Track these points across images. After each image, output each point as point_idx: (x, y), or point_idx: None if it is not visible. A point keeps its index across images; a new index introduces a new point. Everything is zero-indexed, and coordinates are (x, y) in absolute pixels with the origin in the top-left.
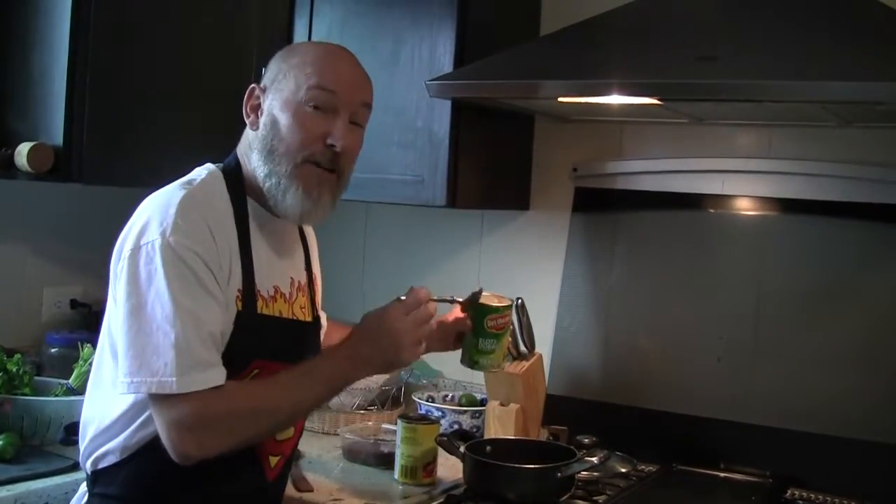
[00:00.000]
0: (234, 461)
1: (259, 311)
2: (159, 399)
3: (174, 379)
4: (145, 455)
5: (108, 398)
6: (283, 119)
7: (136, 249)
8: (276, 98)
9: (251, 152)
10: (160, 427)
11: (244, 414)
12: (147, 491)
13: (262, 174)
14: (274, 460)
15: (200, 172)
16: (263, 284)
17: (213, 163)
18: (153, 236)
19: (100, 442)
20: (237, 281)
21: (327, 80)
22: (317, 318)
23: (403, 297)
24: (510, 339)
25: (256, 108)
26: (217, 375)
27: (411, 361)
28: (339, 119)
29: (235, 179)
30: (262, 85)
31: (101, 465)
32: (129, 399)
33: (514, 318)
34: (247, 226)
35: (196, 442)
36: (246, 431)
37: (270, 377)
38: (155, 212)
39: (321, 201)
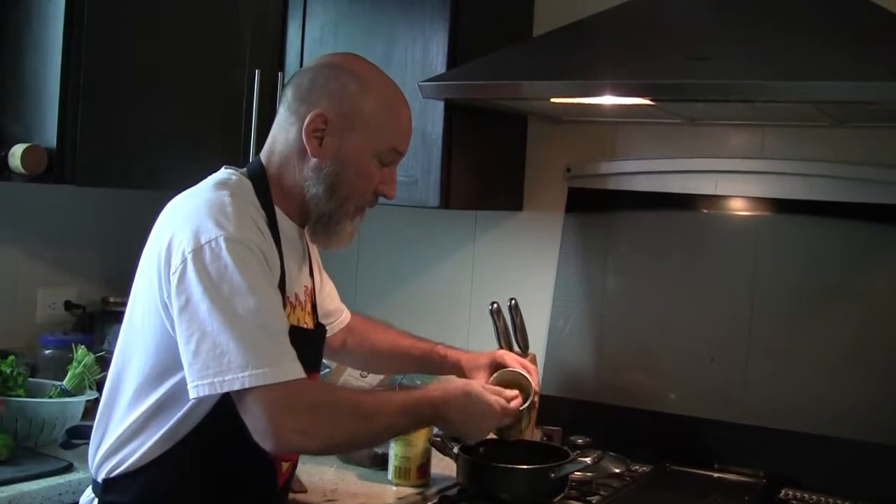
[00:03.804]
0: (250, 466)
1: (287, 318)
2: (253, 392)
3: (267, 370)
4: (162, 464)
5: (128, 405)
6: (353, 167)
7: (199, 249)
8: (348, 141)
9: (303, 173)
10: (255, 416)
11: (346, 408)
12: (162, 500)
13: (316, 200)
14: (285, 465)
15: (229, 176)
16: (290, 291)
17: (216, 165)
18: (215, 233)
19: (114, 449)
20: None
21: (402, 145)
22: (319, 325)
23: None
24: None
25: (321, 138)
26: (301, 368)
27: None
28: (393, 171)
29: (262, 186)
30: (326, 111)
31: (114, 474)
32: (148, 409)
33: (508, 318)
34: (277, 232)
35: (298, 426)
36: (343, 428)
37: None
38: (207, 211)
39: (354, 235)
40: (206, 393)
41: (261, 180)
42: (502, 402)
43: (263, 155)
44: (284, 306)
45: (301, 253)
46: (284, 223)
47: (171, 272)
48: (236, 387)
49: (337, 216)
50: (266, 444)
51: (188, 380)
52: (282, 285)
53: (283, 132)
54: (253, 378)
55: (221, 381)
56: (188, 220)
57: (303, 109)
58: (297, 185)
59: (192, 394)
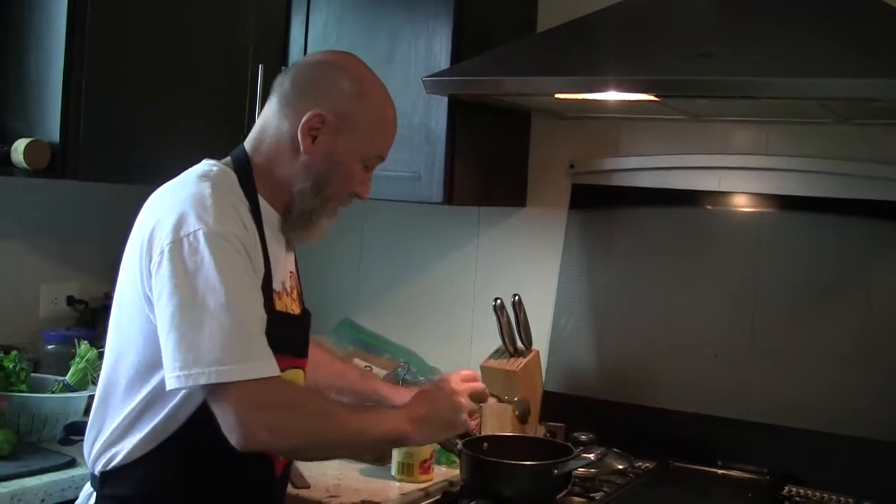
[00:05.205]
0: (246, 456)
1: (276, 308)
2: (221, 387)
3: (236, 366)
4: (159, 455)
5: (121, 399)
6: (341, 169)
7: (177, 242)
8: (340, 143)
9: (292, 167)
10: (225, 413)
11: (316, 408)
12: (160, 491)
13: (302, 196)
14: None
15: (210, 167)
16: (276, 280)
17: (210, 158)
18: (195, 227)
19: (110, 442)
20: (260, 276)
21: (386, 150)
22: (305, 311)
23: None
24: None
25: (315, 136)
26: (275, 366)
27: (467, 426)
28: (372, 173)
29: (247, 176)
30: (324, 111)
31: (111, 466)
32: (142, 401)
33: (511, 314)
34: (261, 223)
35: (267, 422)
36: (314, 427)
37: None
38: (189, 203)
39: (328, 231)
40: (176, 386)
41: (244, 170)
42: (467, 380)
43: (249, 144)
44: (272, 295)
45: (285, 240)
46: (267, 212)
47: (151, 264)
48: (202, 381)
49: (318, 213)
50: (233, 439)
51: (164, 371)
52: (268, 274)
53: (275, 123)
54: (221, 374)
55: (188, 375)
56: (169, 212)
57: (300, 105)
58: (285, 177)
59: (167, 385)
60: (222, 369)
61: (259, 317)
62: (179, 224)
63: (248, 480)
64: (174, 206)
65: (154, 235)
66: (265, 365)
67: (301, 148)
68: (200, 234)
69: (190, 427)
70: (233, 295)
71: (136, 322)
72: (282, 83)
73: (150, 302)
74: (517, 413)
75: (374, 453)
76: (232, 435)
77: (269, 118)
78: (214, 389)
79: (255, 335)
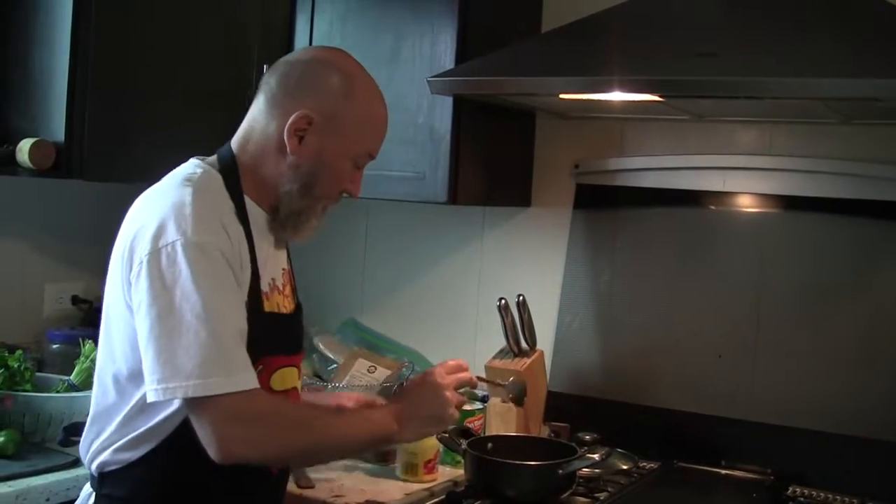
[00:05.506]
0: None
1: (265, 309)
2: (198, 401)
3: (213, 380)
4: (155, 457)
5: (116, 400)
6: (330, 169)
7: (156, 252)
8: (328, 144)
9: (279, 168)
10: (202, 427)
11: (294, 419)
12: (156, 492)
13: (290, 197)
14: None
15: (195, 169)
16: (265, 280)
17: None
18: (173, 237)
19: (107, 444)
20: (247, 279)
21: (378, 149)
22: (298, 307)
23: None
24: None
25: (301, 137)
26: (253, 378)
27: (455, 418)
28: (362, 171)
29: (233, 176)
30: (311, 111)
31: (108, 468)
32: (136, 404)
33: (516, 314)
34: (248, 223)
35: (244, 436)
36: (293, 438)
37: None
38: (168, 212)
39: (318, 229)
40: (155, 399)
41: (230, 170)
42: (453, 371)
43: (236, 143)
44: (261, 298)
45: (274, 238)
46: (255, 211)
47: (131, 274)
48: (179, 395)
49: (306, 213)
50: (211, 452)
51: (145, 384)
52: (255, 274)
53: (262, 122)
54: (198, 388)
55: (166, 388)
56: (150, 221)
57: (288, 104)
58: (271, 177)
59: (147, 398)
60: (199, 383)
61: (238, 328)
62: (158, 234)
63: (245, 481)
64: (155, 215)
65: (135, 245)
66: (243, 378)
67: (288, 149)
68: (178, 245)
69: (185, 429)
70: (210, 307)
71: (122, 329)
72: (268, 81)
73: (131, 311)
74: (511, 395)
75: (368, 453)
76: (209, 448)
77: (256, 117)
78: (192, 403)
79: (232, 348)
